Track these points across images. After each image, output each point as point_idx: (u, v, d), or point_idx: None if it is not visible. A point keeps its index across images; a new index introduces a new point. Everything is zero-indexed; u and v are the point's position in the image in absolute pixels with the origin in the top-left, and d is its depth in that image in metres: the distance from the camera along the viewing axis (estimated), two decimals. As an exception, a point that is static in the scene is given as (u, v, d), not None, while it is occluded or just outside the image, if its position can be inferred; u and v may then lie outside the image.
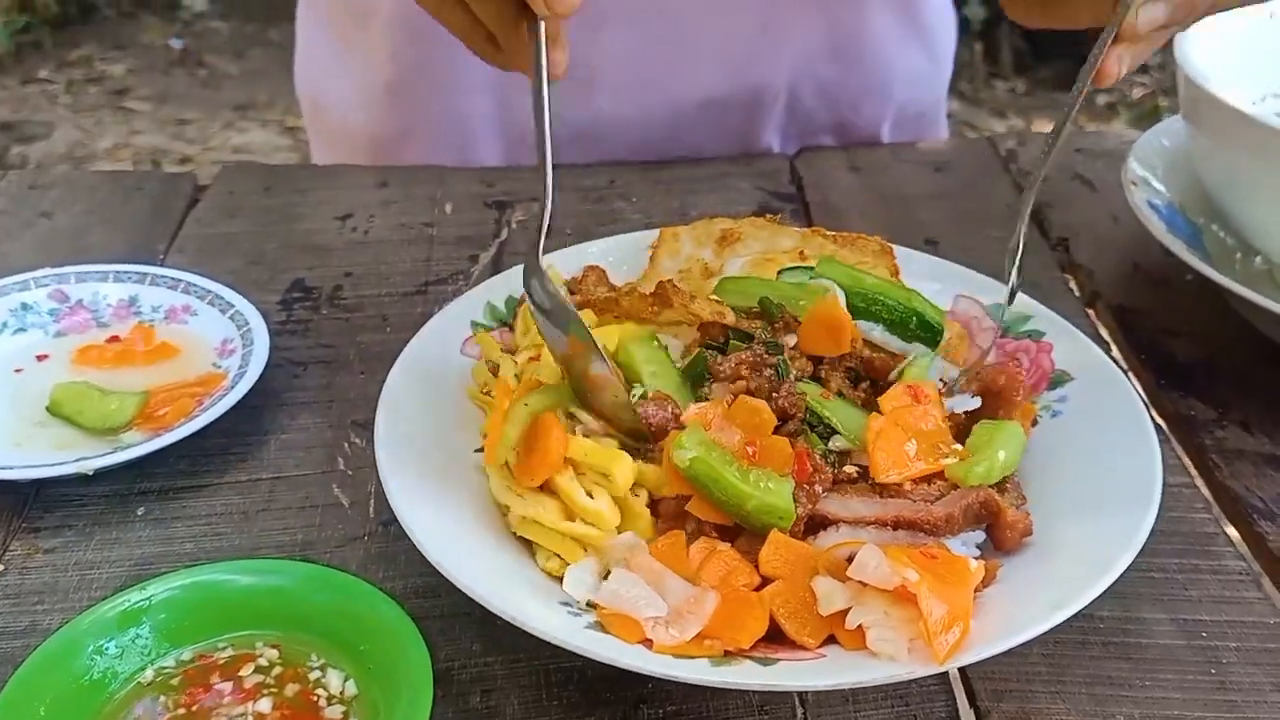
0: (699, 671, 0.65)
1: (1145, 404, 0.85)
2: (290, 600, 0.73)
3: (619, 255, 1.00)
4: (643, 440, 0.78)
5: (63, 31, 4.99)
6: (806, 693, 0.72)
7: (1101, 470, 0.80)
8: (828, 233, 1.00)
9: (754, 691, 0.72)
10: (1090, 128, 4.10)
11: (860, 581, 0.68)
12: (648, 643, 0.68)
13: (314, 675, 0.70)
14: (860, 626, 0.68)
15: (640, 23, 1.27)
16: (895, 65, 1.39)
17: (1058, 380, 0.89)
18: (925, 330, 0.87)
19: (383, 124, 1.36)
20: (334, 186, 1.28)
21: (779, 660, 0.68)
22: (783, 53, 1.32)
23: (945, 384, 0.86)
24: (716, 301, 0.88)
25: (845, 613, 0.68)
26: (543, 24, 0.76)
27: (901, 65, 1.39)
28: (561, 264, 0.98)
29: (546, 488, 0.76)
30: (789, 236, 1.00)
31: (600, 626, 0.69)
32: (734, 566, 0.72)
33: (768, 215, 1.02)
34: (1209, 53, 1.01)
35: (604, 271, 0.98)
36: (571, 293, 0.95)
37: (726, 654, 0.68)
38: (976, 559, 0.72)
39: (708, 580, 0.71)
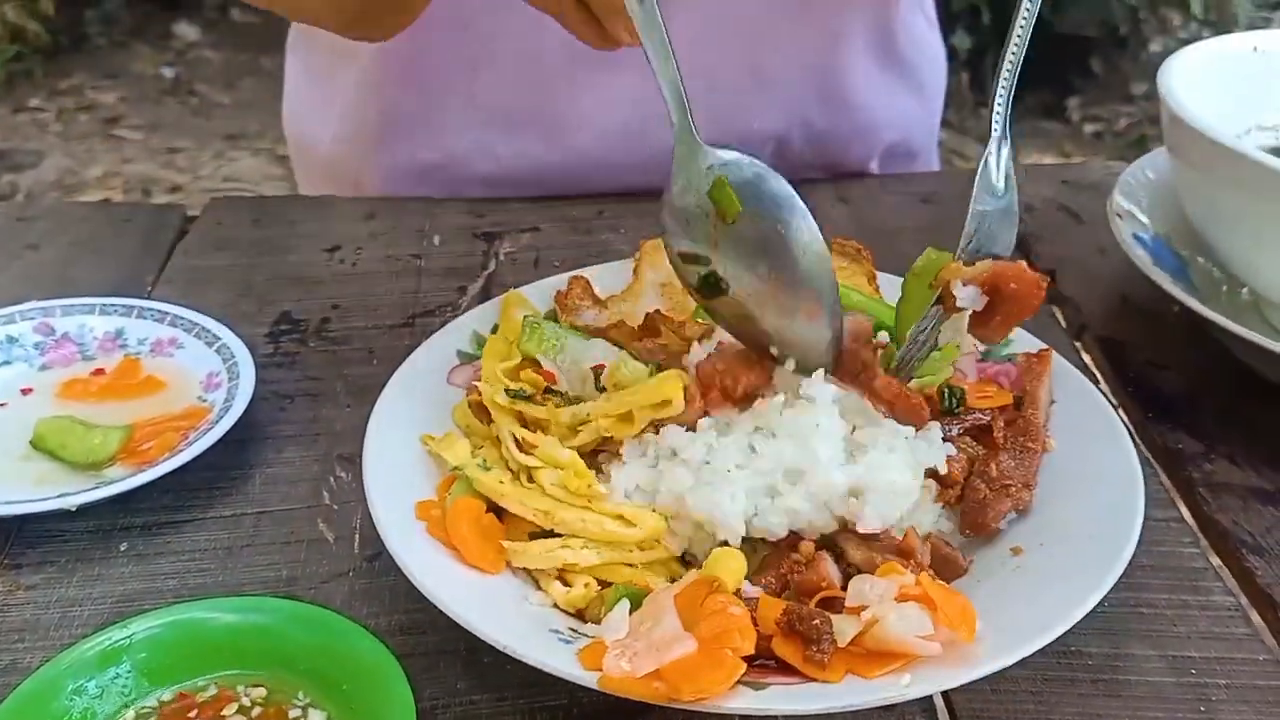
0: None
1: (1131, 434, 0.85)
2: (273, 638, 0.72)
3: (608, 281, 1.01)
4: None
5: (54, 60, 4.99)
6: (795, 718, 0.71)
7: (1084, 494, 0.80)
8: None
9: (743, 717, 0.71)
10: (1076, 159, 4.13)
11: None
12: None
13: (295, 714, 0.69)
14: (874, 633, 0.68)
15: (629, 73, 1.26)
16: (884, 108, 1.38)
17: (1043, 410, 0.89)
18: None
19: (364, 163, 1.36)
20: (322, 218, 1.28)
21: (769, 684, 0.67)
22: (771, 101, 1.31)
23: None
24: (703, 322, 0.88)
25: (858, 643, 0.68)
26: None
27: (891, 108, 1.39)
28: (544, 293, 0.99)
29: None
30: None
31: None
32: (732, 627, 0.67)
33: None
34: (1193, 85, 1.01)
35: (588, 282, 0.99)
36: (559, 307, 0.96)
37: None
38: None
39: (701, 632, 0.67)
